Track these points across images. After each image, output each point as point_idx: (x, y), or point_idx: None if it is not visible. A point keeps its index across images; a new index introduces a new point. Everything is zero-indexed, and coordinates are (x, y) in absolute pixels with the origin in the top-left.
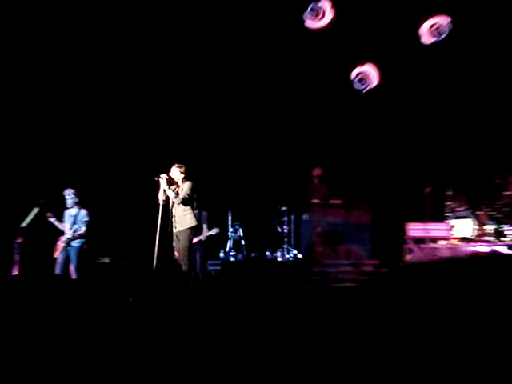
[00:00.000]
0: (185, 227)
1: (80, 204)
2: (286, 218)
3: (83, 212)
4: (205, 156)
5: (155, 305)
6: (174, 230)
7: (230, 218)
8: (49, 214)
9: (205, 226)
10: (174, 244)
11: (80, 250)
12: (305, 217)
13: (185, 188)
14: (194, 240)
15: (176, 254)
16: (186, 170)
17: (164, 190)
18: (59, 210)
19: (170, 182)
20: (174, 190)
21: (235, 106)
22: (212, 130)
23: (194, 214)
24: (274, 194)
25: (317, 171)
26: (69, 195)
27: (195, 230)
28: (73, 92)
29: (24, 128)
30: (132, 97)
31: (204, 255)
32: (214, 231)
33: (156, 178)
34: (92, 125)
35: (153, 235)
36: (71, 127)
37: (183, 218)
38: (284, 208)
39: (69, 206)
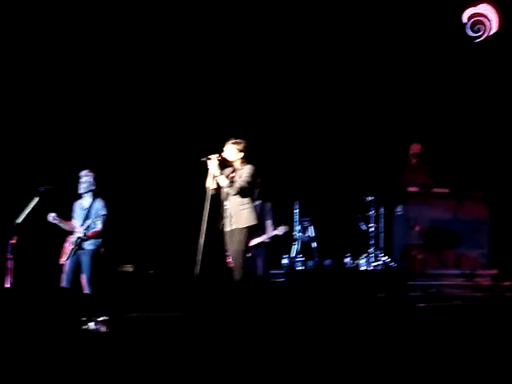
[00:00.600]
0: (241, 225)
1: (96, 193)
2: (372, 213)
3: (99, 203)
4: (265, 131)
5: (196, 328)
6: (227, 229)
7: (296, 212)
8: (52, 216)
9: (269, 221)
10: (227, 247)
11: (95, 254)
12: (398, 210)
13: (244, 173)
14: (254, 241)
15: (229, 259)
16: (245, 147)
17: (214, 176)
18: (65, 202)
19: (224, 163)
20: (228, 176)
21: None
22: (274, 100)
23: (255, 209)
24: (355, 179)
25: (415, 148)
26: (86, 178)
27: (254, 230)
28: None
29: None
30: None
31: (267, 262)
32: (280, 230)
33: (203, 159)
34: (107, 87)
35: (194, 235)
36: (80, 93)
37: (239, 214)
38: (370, 198)
39: (82, 191)
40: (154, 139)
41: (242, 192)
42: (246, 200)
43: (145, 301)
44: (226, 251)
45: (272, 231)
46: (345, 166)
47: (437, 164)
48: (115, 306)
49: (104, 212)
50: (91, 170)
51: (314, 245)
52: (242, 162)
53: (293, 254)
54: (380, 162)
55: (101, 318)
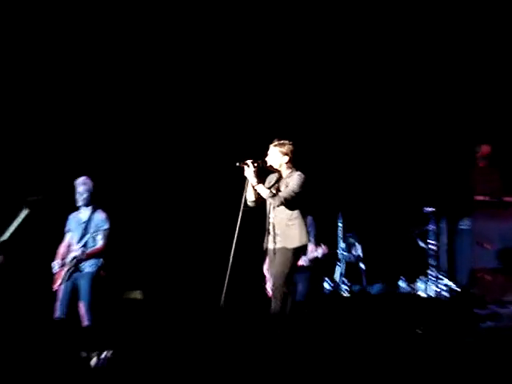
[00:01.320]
0: (289, 245)
1: (96, 203)
2: (432, 227)
3: (100, 216)
4: (304, 129)
5: (216, 369)
6: (270, 246)
7: (340, 226)
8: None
9: (311, 239)
10: (266, 267)
11: (95, 277)
12: (464, 224)
13: (291, 182)
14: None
15: (267, 286)
16: (292, 150)
17: (252, 185)
18: (60, 215)
19: (264, 170)
20: (272, 185)
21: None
22: (318, 97)
23: (305, 225)
24: (411, 186)
25: (484, 149)
26: (84, 187)
27: (302, 251)
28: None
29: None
30: None
31: (310, 288)
32: (319, 252)
33: (238, 164)
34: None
35: (221, 255)
36: (74, 91)
37: (287, 231)
38: (429, 210)
39: (82, 203)
40: (171, 138)
41: (288, 204)
42: (296, 214)
43: (156, 334)
44: (263, 276)
45: (312, 252)
46: (399, 171)
47: (510, 168)
48: (120, 340)
49: (106, 226)
50: (89, 177)
51: (362, 266)
52: (289, 168)
53: (336, 277)
54: (441, 166)
55: (103, 354)
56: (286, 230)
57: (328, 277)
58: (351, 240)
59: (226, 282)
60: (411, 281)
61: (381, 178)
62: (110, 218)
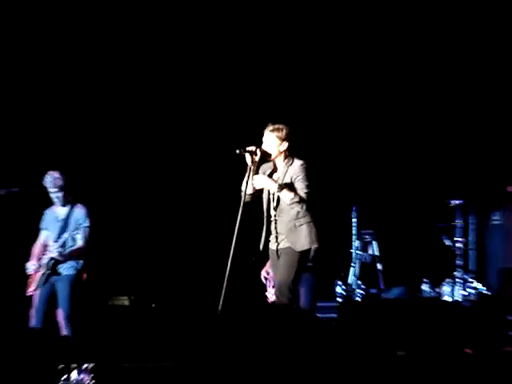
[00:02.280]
0: (298, 247)
1: (74, 198)
2: (459, 222)
3: (80, 212)
4: (306, 112)
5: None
6: (273, 247)
7: (354, 221)
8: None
9: None
10: (266, 272)
11: (75, 281)
12: (496, 219)
13: (299, 175)
14: None
15: (269, 293)
16: (289, 134)
17: (259, 178)
18: (35, 209)
19: (262, 158)
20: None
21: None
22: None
23: (314, 225)
24: (435, 175)
25: None
26: (54, 187)
27: (311, 254)
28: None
29: None
30: None
31: (314, 291)
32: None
33: (239, 152)
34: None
35: (217, 257)
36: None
37: (295, 231)
38: (456, 202)
39: (58, 205)
40: (156, 125)
41: (306, 204)
42: (304, 211)
43: (144, 344)
44: (265, 279)
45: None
46: (421, 158)
47: None
48: (104, 351)
49: (86, 223)
50: (59, 171)
51: (379, 267)
52: (287, 157)
53: (350, 279)
54: (470, 153)
55: (85, 366)
56: (293, 230)
57: (340, 279)
58: (367, 237)
59: (225, 286)
60: (436, 284)
61: (401, 165)
62: (93, 214)
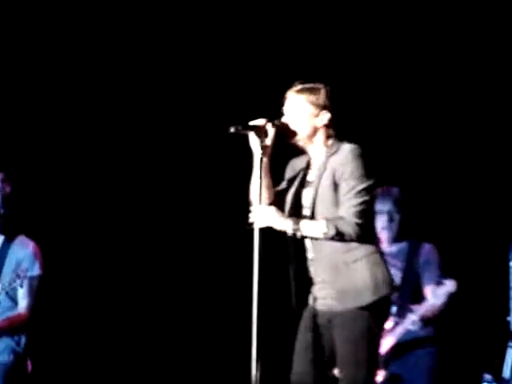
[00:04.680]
0: (356, 302)
1: (17, 223)
2: None
3: (24, 248)
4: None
5: None
6: (315, 305)
7: None
8: None
9: (430, 288)
10: (298, 347)
11: (10, 372)
12: None
13: (349, 169)
14: (386, 343)
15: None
16: (330, 99)
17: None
18: None
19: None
20: (292, 184)
21: None
22: None
23: (381, 260)
24: None
25: None
26: None
27: (386, 311)
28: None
29: None
30: None
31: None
32: (446, 290)
33: (234, 130)
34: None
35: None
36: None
37: (346, 273)
38: None
39: None
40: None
41: (362, 228)
42: (361, 242)
43: None
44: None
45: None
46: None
47: None
48: None
49: (36, 270)
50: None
51: None
52: (329, 138)
53: (506, 371)
54: None
55: None
56: (342, 272)
57: (490, 371)
58: None
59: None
60: None
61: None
62: (49, 254)
